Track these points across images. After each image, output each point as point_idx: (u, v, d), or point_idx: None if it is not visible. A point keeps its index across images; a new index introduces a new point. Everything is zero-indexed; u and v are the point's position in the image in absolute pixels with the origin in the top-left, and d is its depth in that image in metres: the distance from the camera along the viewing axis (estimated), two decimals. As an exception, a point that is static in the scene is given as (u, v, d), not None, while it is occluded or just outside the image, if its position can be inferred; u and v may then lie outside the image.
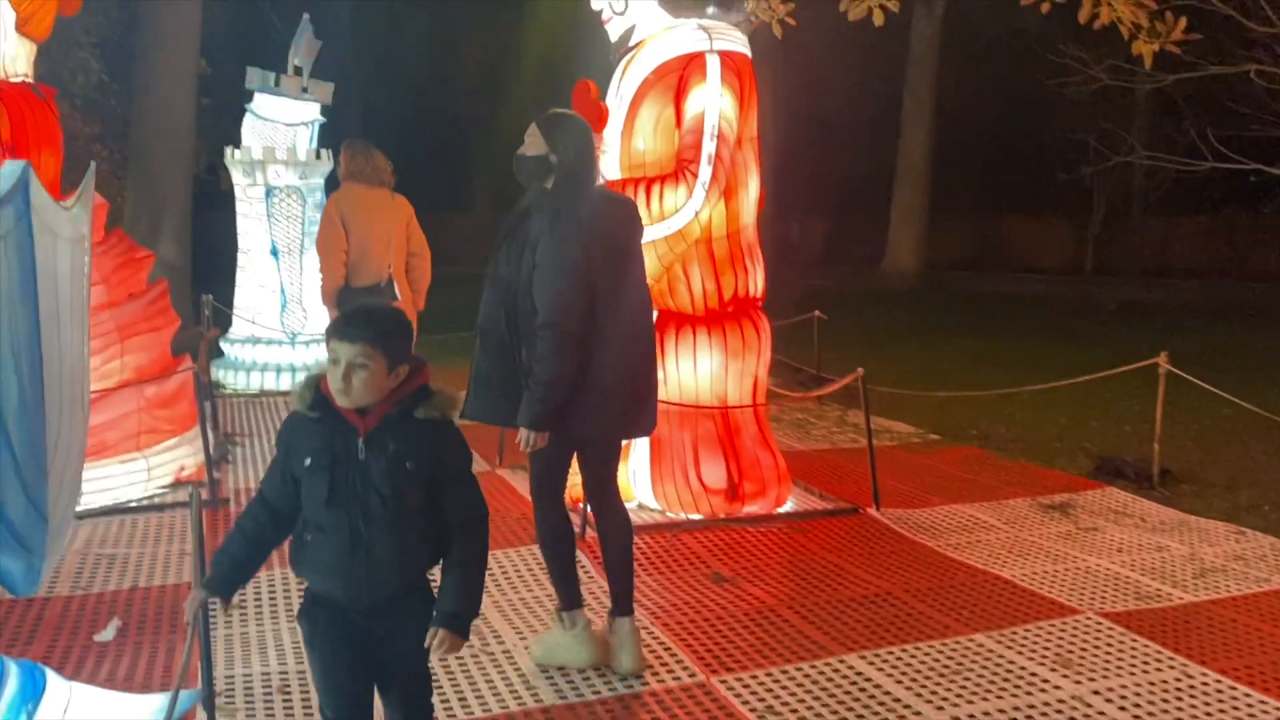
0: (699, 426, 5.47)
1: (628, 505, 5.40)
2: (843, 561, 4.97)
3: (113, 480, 5.60)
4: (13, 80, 5.75)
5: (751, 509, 5.51)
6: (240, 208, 9.42)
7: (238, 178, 9.36)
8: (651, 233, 5.17)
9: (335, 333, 2.34)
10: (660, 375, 5.46)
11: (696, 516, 5.45)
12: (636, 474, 5.59)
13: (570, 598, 3.70)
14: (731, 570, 4.82)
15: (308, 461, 2.34)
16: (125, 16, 12.11)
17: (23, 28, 5.73)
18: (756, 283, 5.60)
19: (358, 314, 2.42)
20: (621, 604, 3.71)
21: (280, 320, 9.40)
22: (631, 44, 5.58)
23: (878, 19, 7.39)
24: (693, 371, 5.46)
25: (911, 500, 6.03)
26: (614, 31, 5.60)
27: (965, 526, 5.56)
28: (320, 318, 9.66)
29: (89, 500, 5.48)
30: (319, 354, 9.53)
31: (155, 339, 6.01)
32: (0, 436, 2.35)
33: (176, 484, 5.93)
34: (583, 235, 3.37)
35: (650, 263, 5.27)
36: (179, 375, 6.14)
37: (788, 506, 5.73)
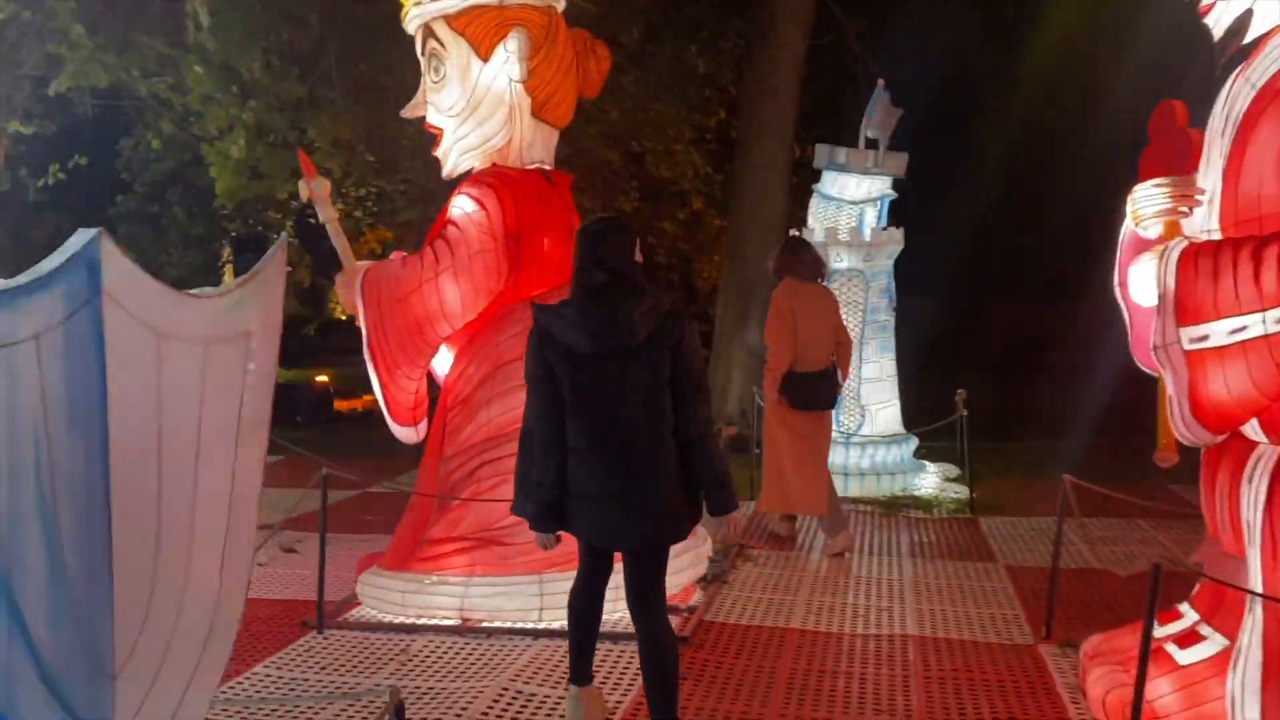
0: (1352, 644, 3.30)
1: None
2: None
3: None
4: (528, 167, 5.62)
5: None
6: (802, 294, 8.74)
7: (800, 262, 8.73)
8: (1253, 325, 3.25)
9: None
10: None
11: (1346, 794, 3.26)
12: (1240, 699, 3.55)
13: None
14: None
15: None
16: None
17: (539, 112, 5.59)
18: None
19: None
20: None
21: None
22: (1246, 41, 3.69)
23: None
24: (1341, 550, 3.32)
25: None
26: (1218, 23, 3.76)
27: None
28: (882, 418, 8.60)
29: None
30: (875, 457, 8.42)
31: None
32: (9, 619, 1.63)
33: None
34: (540, 346, 3.56)
35: (1265, 371, 3.32)
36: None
37: None
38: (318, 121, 9.86)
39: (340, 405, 16.65)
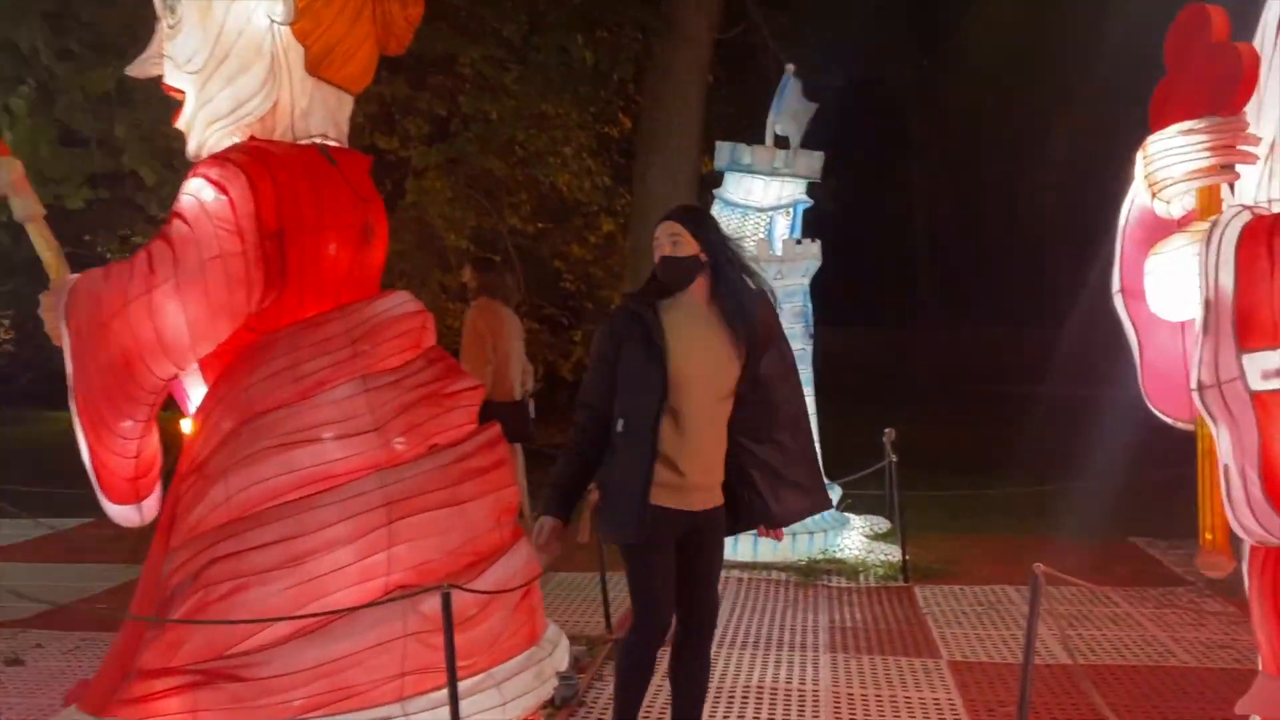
0: None
1: None
2: None
3: (351, 750, 3.49)
4: (301, 142, 4.10)
5: None
6: (704, 318, 7.34)
7: (701, 281, 7.33)
8: None
9: None
10: None
11: None
12: None
13: None
14: None
15: None
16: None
17: (318, 69, 4.08)
18: None
19: None
20: None
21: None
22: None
23: None
24: None
25: None
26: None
27: None
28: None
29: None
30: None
31: (457, 519, 3.89)
32: None
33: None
34: None
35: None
36: (498, 573, 3.95)
37: None
38: (128, 118, 8.24)
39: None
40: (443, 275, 16.34)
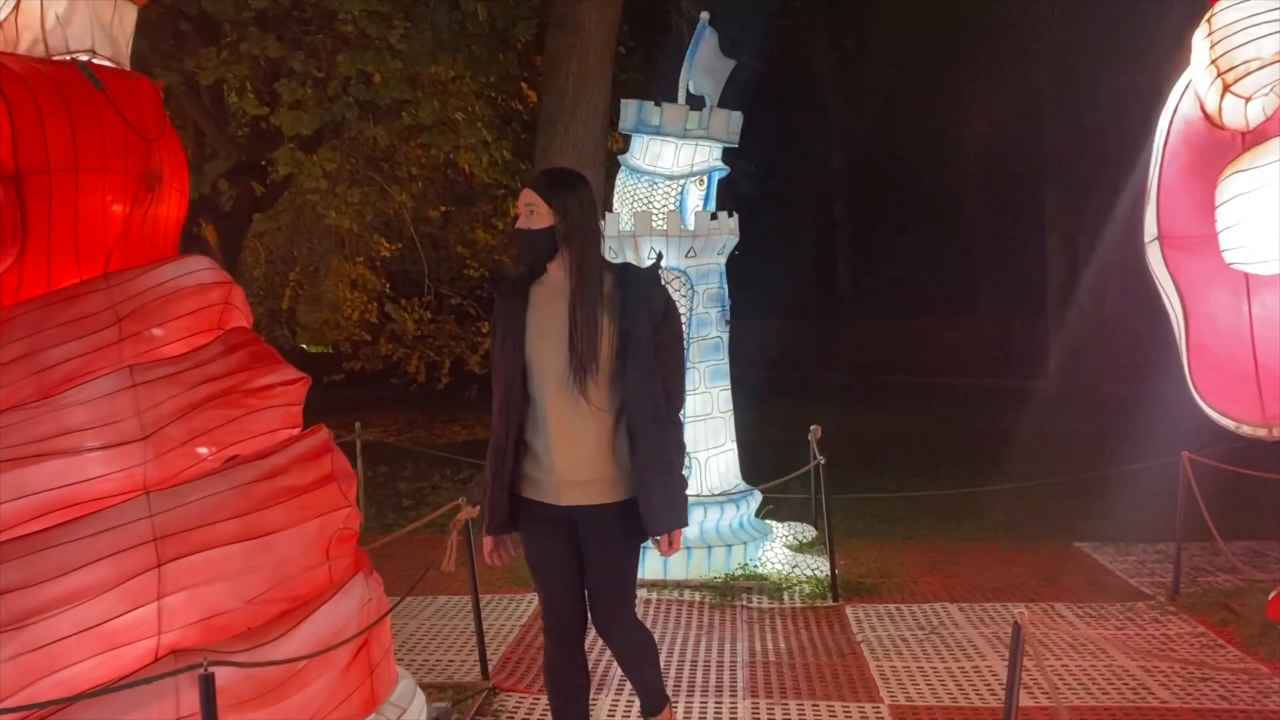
0: None
1: None
2: None
3: None
4: (56, 58, 3.12)
5: None
6: (607, 301, 6.45)
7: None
8: None
9: None
10: None
11: None
12: None
13: None
14: None
15: None
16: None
17: (76, -40, 3.09)
18: None
19: None
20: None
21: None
22: None
23: None
24: None
25: None
26: None
27: None
28: (715, 469, 6.38)
29: None
30: (705, 524, 6.17)
31: (260, 555, 2.94)
32: None
33: None
34: None
35: None
36: (320, 624, 3.02)
37: None
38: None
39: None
40: (344, 263, 15.15)
